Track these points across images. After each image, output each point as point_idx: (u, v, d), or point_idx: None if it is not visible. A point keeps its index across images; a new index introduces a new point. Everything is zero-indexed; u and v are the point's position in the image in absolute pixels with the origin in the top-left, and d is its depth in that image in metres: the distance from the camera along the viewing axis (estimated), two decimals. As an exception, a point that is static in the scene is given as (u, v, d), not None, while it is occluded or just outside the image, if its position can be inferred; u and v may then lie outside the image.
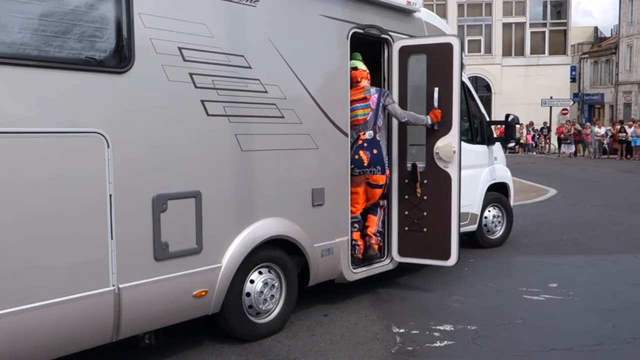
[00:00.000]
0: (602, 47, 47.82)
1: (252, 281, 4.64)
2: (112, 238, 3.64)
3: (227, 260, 4.33)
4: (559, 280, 6.36)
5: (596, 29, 53.60)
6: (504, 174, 8.26)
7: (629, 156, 26.60)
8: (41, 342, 3.40)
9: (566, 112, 35.38)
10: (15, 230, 3.25)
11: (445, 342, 4.64)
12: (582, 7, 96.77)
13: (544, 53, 38.70)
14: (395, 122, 5.84)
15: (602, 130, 28.38)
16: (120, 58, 3.68)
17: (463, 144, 7.11)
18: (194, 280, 4.12)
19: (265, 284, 4.70)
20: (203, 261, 4.18)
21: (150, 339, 4.13)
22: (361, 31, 5.40)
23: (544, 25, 38.63)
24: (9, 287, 3.24)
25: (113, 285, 3.66)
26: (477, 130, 7.71)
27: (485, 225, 7.97)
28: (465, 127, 7.47)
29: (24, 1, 3.31)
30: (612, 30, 50.14)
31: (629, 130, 26.48)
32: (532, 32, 38.55)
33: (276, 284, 4.81)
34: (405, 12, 5.95)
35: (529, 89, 36.64)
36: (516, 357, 4.40)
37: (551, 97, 34.49)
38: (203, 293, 4.19)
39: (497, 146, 8.17)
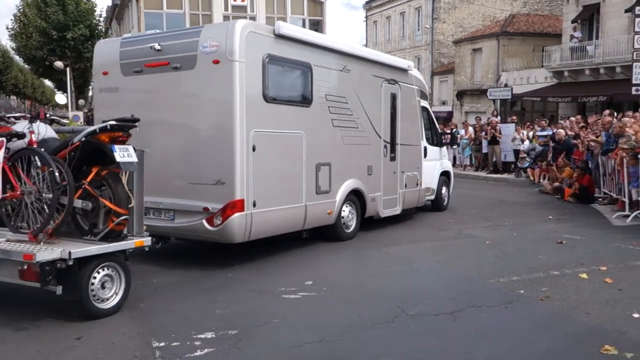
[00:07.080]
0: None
1: (344, 210, 9.16)
2: (304, 182, 8.06)
3: (338, 198, 8.86)
4: (314, 278, 6.83)
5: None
6: (448, 165, 13.33)
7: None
8: (282, 223, 7.83)
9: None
10: (273, 179, 7.58)
11: (205, 350, 4.63)
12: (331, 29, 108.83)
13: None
14: None
15: None
16: (307, 100, 8.15)
17: (428, 145, 12.06)
18: (328, 205, 8.62)
19: (351, 212, 9.27)
20: (331, 197, 8.69)
21: (307, 235, 8.59)
22: (386, 82, 10.10)
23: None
24: (276, 198, 7.63)
25: (304, 203, 8.08)
26: (434, 138, 12.61)
27: (441, 197, 12.84)
28: (429, 135, 12.37)
29: (281, 75, 7.70)
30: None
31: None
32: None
33: (353, 214, 9.35)
34: (405, 71, 10.82)
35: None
36: (273, 355, 4.56)
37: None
38: (330, 212, 8.69)
39: (444, 148, 13.15)
